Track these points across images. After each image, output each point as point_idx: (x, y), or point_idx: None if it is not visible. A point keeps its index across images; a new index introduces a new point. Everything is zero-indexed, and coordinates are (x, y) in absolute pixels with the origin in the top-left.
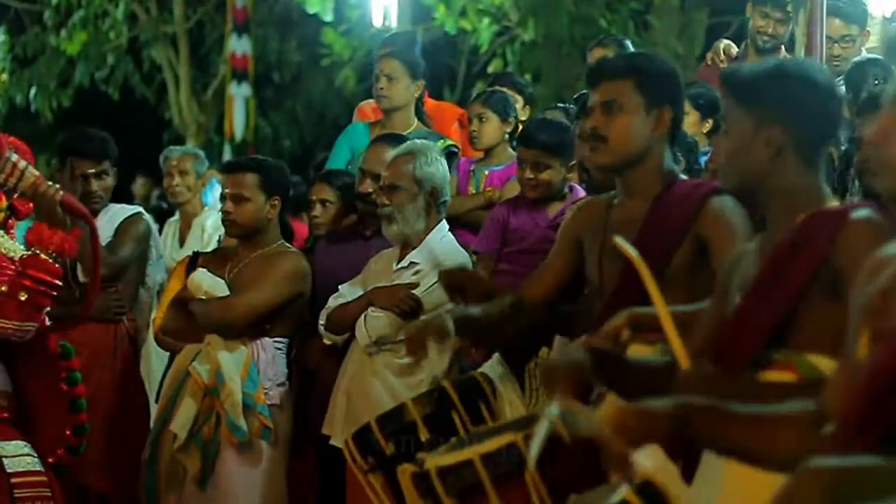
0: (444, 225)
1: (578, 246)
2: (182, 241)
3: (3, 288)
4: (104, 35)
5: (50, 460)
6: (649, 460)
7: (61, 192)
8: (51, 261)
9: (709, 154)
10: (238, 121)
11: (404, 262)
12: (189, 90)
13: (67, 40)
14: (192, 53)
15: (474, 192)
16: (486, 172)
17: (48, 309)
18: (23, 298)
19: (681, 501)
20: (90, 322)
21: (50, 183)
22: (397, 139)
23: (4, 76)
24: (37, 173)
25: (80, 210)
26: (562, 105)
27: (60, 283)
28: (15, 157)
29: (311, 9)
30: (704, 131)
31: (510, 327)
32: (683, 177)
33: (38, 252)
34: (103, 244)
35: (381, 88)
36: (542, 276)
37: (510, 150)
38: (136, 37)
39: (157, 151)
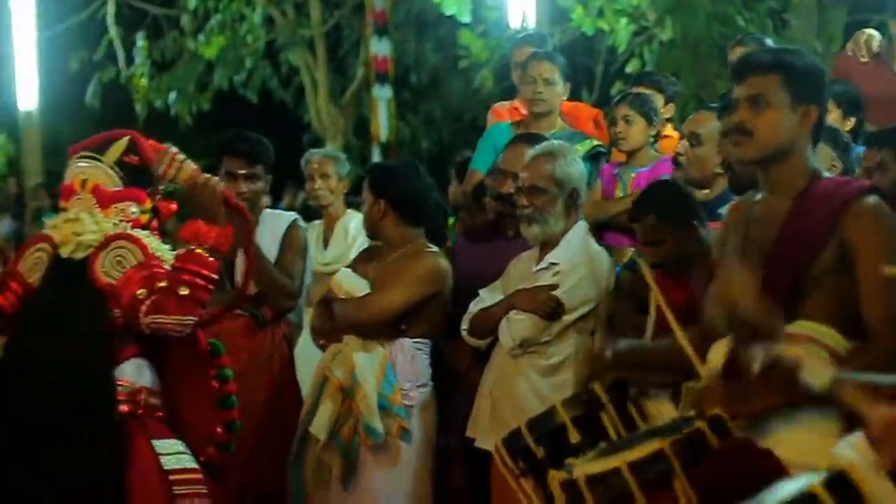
0: (584, 225)
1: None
2: (326, 244)
3: (163, 283)
4: (242, 39)
5: (201, 458)
6: (852, 451)
7: (221, 185)
8: (207, 256)
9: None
10: (383, 123)
11: (544, 264)
12: (327, 93)
13: (205, 44)
14: (330, 56)
15: (621, 195)
16: (633, 175)
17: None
18: (183, 293)
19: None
20: (248, 325)
21: (208, 175)
22: (536, 139)
23: (144, 81)
24: (194, 166)
25: (236, 205)
26: (714, 105)
27: (217, 278)
28: (175, 149)
29: (449, 11)
30: (847, 129)
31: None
32: (828, 174)
33: (194, 248)
34: (268, 256)
35: (539, 92)
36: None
37: (653, 151)
38: (273, 40)
39: (295, 154)
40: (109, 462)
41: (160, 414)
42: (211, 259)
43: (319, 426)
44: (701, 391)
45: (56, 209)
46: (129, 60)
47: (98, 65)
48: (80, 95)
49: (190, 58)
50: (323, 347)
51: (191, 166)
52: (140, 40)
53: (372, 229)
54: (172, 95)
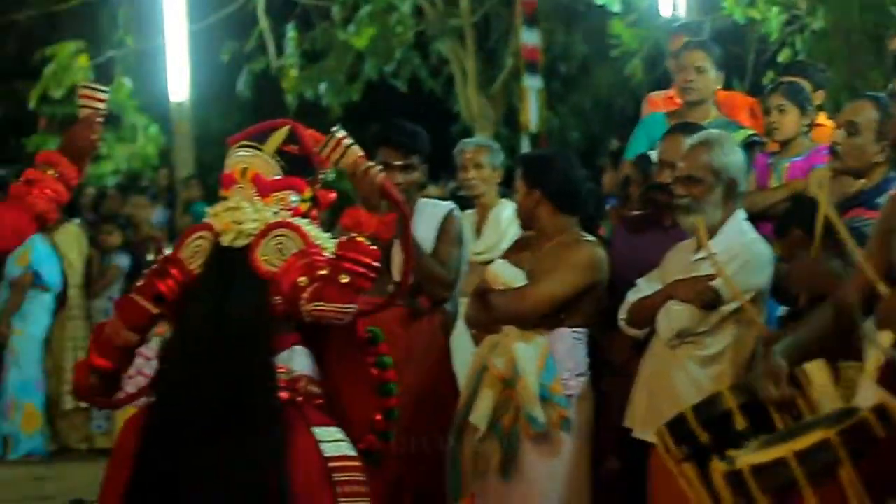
0: (742, 213)
1: (889, 238)
2: (478, 234)
3: (324, 271)
4: (391, 29)
5: (360, 446)
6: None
7: (382, 175)
8: (368, 244)
9: None
10: (533, 113)
11: (702, 253)
12: (476, 83)
13: (355, 35)
14: (479, 46)
15: (776, 184)
16: (787, 164)
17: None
18: (344, 281)
19: None
20: (405, 315)
21: (372, 164)
22: (693, 128)
23: (294, 72)
24: (360, 152)
25: (395, 196)
26: (871, 94)
27: (379, 266)
28: (342, 133)
29: (599, 0)
30: None
31: (833, 339)
32: None
33: (355, 236)
34: (424, 247)
35: (690, 80)
36: (858, 278)
37: (807, 140)
38: (423, 31)
39: (444, 144)
40: (271, 450)
41: (320, 401)
42: (372, 247)
43: (479, 416)
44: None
45: (207, 199)
46: (280, 51)
47: (249, 56)
48: (231, 87)
49: (340, 48)
50: (476, 338)
51: (357, 152)
52: (290, 31)
53: (526, 219)
54: (322, 86)
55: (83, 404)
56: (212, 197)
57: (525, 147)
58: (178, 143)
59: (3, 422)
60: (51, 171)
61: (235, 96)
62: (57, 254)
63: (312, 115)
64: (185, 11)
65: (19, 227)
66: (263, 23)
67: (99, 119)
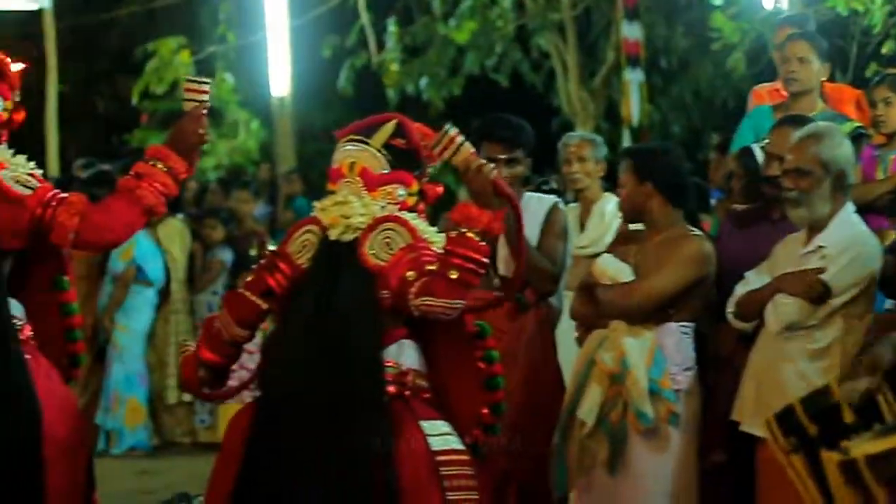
0: (851, 206)
1: None
2: (582, 228)
3: (433, 266)
4: (492, 23)
5: (466, 440)
6: None
7: (495, 171)
8: (478, 239)
9: None
10: (634, 106)
11: (811, 247)
12: (578, 77)
13: (456, 29)
14: (580, 40)
15: (882, 177)
16: (893, 157)
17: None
18: (453, 276)
19: None
20: (511, 309)
21: (484, 161)
22: (801, 121)
23: (395, 66)
24: (472, 149)
25: (506, 192)
26: None
27: (488, 262)
28: (454, 131)
29: None
30: None
31: None
32: None
33: (464, 231)
34: (529, 239)
35: (793, 71)
36: None
37: None
38: (524, 25)
39: (546, 139)
40: (379, 444)
41: (427, 395)
42: (481, 243)
43: (587, 411)
44: None
45: (308, 194)
46: (381, 46)
47: (350, 51)
48: (332, 82)
49: (441, 43)
50: (579, 340)
51: (468, 149)
52: (391, 26)
53: (634, 212)
54: (424, 81)
55: (186, 398)
56: (312, 192)
57: (626, 141)
58: (280, 138)
59: (106, 416)
60: (160, 165)
61: (336, 91)
62: (159, 248)
63: (413, 110)
64: (287, 6)
65: (129, 220)
66: (364, 17)
67: (203, 112)
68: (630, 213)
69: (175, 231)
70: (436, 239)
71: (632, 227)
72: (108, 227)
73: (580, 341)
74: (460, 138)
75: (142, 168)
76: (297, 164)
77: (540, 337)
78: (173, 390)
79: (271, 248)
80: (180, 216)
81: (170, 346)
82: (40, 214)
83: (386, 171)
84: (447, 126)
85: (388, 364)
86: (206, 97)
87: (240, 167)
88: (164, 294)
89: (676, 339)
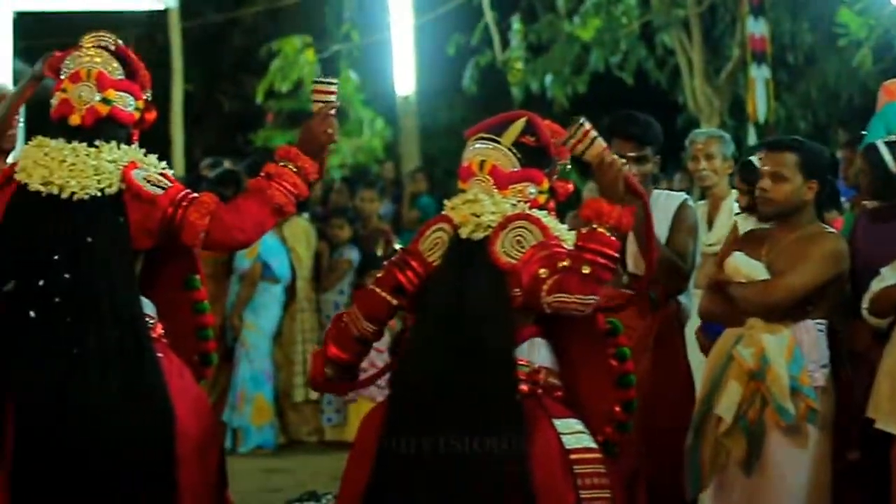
0: None
1: None
2: (710, 225)
3: (565, 262)
4: (617, 20)
5: (598, 438)
6: None
7: (626, 167)
8: (609, 235)
9: None
10: (760, 103)
11: None
12: (702, 74)
13: (581, 27)
14: (705, 37)
15: None
16: None
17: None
18: (585, 272)
19: None
20: (641, 306)
21: (615, 156)
22: None
23: (520, 64)
24: (604, 145)
25: (637, 188)
26: None
27: (619, 257)
28: (588, 125)
29: None
30: None
31: None
32: None
33: (595, 226)
34: (659, 236)
35: None
36: None
37: None
38: (648, 22)
39: (671, 136)
40: (513, 443)
41: (559, 393)
42: (613, 238)
43: (726, 408)
44: None
45: (433, 193)
46: (505, 44)
47: (474, 49)
48: (457, 80)
49: (566, 40)
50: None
51: (601, 144)
52: (515, 23)
53: (790, 209)
54: (548, 78)
55: (312, 397)
56: (437, 190)
57: (752, 138)
58: (404, 136)
59: (233, 415)
60: (290, 166)
61: (460, 89)
62: (285, 247)
63: (538, 108)
64: (411, 5)
65: (259, 220)
66: (489, 16)
67: (332, 112)
68: (786, 209)
69: (301, 230)
70: (567, 236)
71: (759, 225)
72: (238, 227)
73: (702, 348)
74: (594, 132)
75: (272, 168)
76: (421, 163)
77: (669, 335)
78: (300, 389)
79: (398, 246)
80: (306, 215)
81: (296, 344)
82: (171, 214)
83: (516, 169)
84: (581, 119)
85: (521, 362)
86: (333, 98)
87: (364, 166)
88: (289, 292)
89: (813, 336)
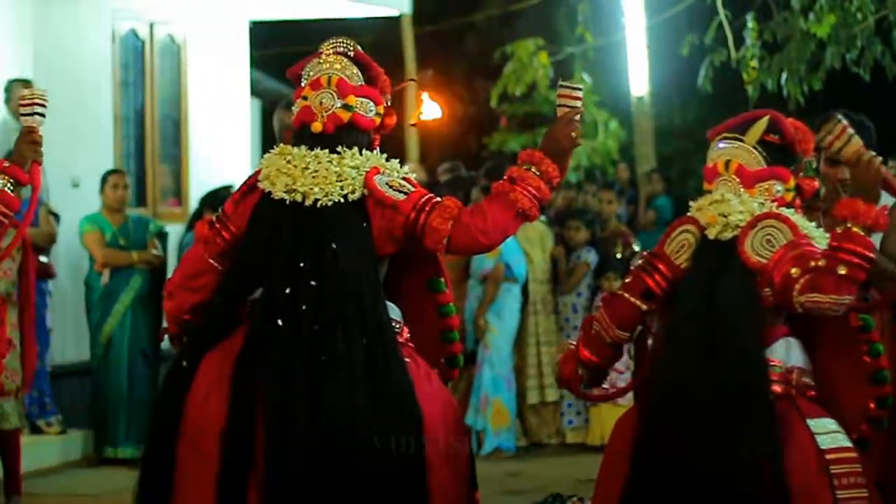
0: None
1: None
2: None
3: (819, 262)
4: (852, 16)
5: (853, 436)
6: None
7: (883, 166)
8: (864, 234)
9: None
10: None
11: None
12: None
13: (816, 23)
14: None
15: None
16: None
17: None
18: (842, 273)
19: None
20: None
21: (872, 154)
22: None
23: (754, 63)
24: (861, 142)
25: (895, 187)
26: None
27: (874, 257)
28: (845, 122)
29: None
30: None
31: None
32: None
33: (849, 226)
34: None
35: None
36: None
37: None
38: (884, 16)
39: None
40: (767, 445)
41: (812, 393)
42: (868, 238)
43: None
44: None
45: (669, 193)
46: (739, 42)
47: (708, 48)
48: (690, 80)
49: (801, 37)
50: None
51: (858, 142)
52: (750, 22)
53: None
54: (783, 76)
55: (550, 399)
56: (673, 191)
57: None
58: (639, 137)
59: (476, 417)
60: (533, 169)
61: (694, 89)
62: (520, 248)
63: (773, 107)
64: (644, 6)
65: (504, 224)
66: (722, 14)
67: (577, 117)
68: None
69: (536, 233)
70: (815, 234)
71: None
72: (482, 231)
73: None
74: (850, 130)
75: (515, 172)
76: (656, 164)
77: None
78: (535, 391)
79: (636, 248)
80: (543, 218)
81: (531, 346)
82: (414, 219)
83: (762, 168)
84: (839, 116)
85: (773, 363)
86: (579, 103)
87: (599, 168)
88: (523, 295)
89: None
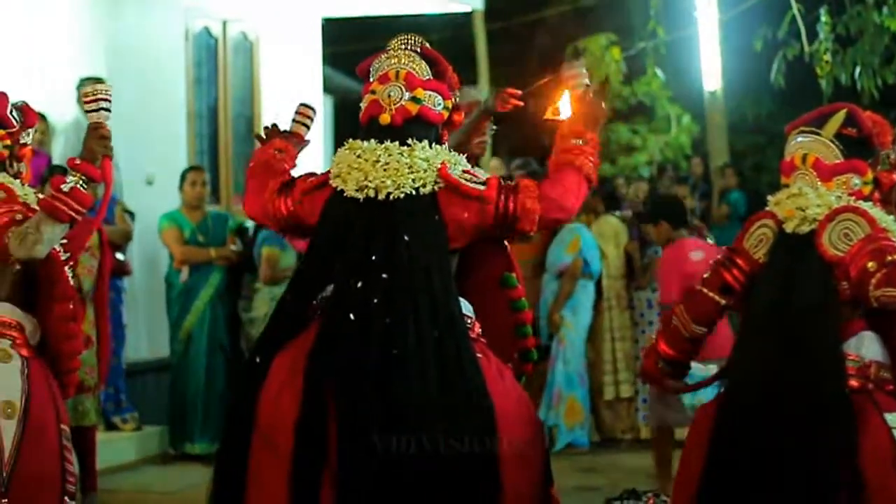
0: None
1: None
2: None
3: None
4: None
5: None
6: None
7: None
8: None
9: None
10: None
11: None
12: None
13: (890, 17)
14: None
15: None
16: None
17: None
18: None
19: None
20: None
21: None
22: None
23: (827, 57)
24: None
25: None
26: None
27: None
28: None
29: None
30: None
31: None
32: None
33: None
34: None
35: None
36: None
37: None
38: None
39: None
40: (843, 439)
41: (891, 387)
42: None
43: None
44: None
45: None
46: (812, 36)
47: (781, 42)
48: (763, 74)
49: (874, 31)
50: None
51: None
52: (823, 15)
53: None
54: (857, 70)
55: (624, 395)
56: (746, 185)
57: None
58: (712, 132)
59: (549, 413)
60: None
61: (767, 83)
62: (596, 244)
63: (847, 100)
64: (717, 1)
65: (578, 189)
66: (795, 8)
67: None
68: None
69: (611, 228)
70: (893, 228)
71: None
72: (564, 198)
73: None
74: None
75: (567, 144)
76: (729, 158)
77: None
78: (610, 387)
79: (709, 242)
80: (617, 213)
81: (605, 342)
82: (504, 205)
83: (839, 161)
84: None
85: (850, 357)
86: (584, 77)
87: (672, 162)
88: (596, 291)
89: None
